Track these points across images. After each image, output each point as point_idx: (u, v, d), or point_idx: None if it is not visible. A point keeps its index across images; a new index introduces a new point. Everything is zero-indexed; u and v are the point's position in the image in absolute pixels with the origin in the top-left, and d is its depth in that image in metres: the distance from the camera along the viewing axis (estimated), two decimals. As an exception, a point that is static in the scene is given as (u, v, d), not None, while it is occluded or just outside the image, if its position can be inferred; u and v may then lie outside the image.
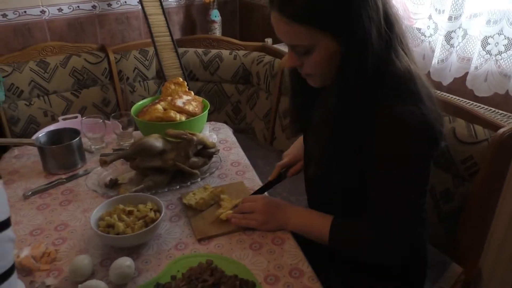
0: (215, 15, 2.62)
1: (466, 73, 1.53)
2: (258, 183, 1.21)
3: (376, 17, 0.77)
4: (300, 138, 1.23)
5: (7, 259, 0.53)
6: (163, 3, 2.26)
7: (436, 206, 1.22)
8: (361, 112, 0.83)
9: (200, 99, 1.47)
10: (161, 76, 2.29)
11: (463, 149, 1.13)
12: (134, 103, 1.46)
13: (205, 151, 1.22)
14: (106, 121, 1.45)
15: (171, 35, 2.24)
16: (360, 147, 0.85)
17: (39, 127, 2.14)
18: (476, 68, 1.48)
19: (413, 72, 0.83)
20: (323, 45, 0.80)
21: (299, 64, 0.87)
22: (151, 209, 0.99)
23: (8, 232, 0.53)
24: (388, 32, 0.80)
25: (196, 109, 1.39)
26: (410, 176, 0.83)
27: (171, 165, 1.15)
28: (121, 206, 0.99)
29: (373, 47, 0.78)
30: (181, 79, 1.51)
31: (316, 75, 0.88)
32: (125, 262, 0.85)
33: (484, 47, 1.47)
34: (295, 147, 1.23)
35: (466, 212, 1.16)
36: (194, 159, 1.19)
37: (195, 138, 1.17)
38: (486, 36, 1.46)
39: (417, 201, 0.85)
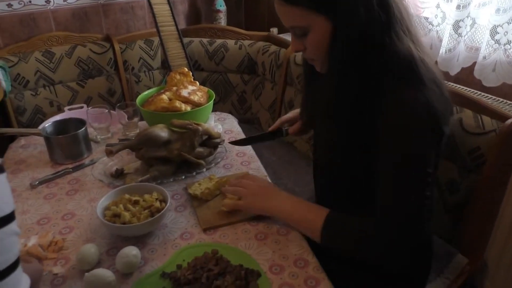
0: (220, 4, 2.60)
1: (474, 63, 1.51)
2: (263, 173, 1.21)
3: None
4: None
5: (11, 253, 0.53)
6: (168, -7, 2.25)
7: (442, 197, 1.21)
8: (363, 96, 0.83)
9: (205, 89, 1.47)
10: (166, 66, 2.29)
11: (470, 140, 1.12)
12: (140, 93, 1.46)
13: (210, 141, 1.22)
14: (111, 111, 1.45)
15: (176, 25, 2.23)
16: (366, 133, 0.85)
17: (45, 117, 2.16)
18: (484, 57, 1.46)
19: (414, 55, 0.83)
20: (317, 25, 0.83)
21: (302, 48, 0.89)
22: (156, 199, 0.99)
23: (12, 226, 0.53)
24: (381, 14, 0.80)
25: (201, 99, 1.39)
26: (415, 168, 0.82)
27: (176, 155, 1.15)
28: (127, 196, 1.00)
29: (360, 25, 0.79)
30: (186, 69, 1.51)
31: (318, 59, 0.90)
32: (131, 251, 0.86)
33: (493, 36, 1.45)
34: (296, 110, 1.23)
35: (472, 203, 1.16)
36: (199, 149, 1.19)
37: (200, 128, 1.17)
38: (495, 25, 1.44)
39: (422, 192, 0.83)
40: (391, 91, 0.81)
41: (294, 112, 1.20)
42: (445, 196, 1.21)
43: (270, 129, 1.18)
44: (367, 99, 0.83)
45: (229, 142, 1.27)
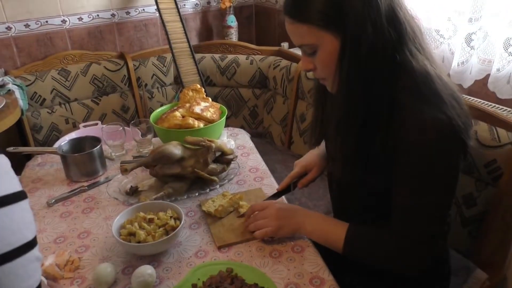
0: (232, 20, 2.63)
1: (488, 75, 1.50)
2: (276, 189, 1.21)
3: (374, 16, 0.78)
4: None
5: (33, 279, 0.53)
6: (180, 10, 2.29)
7: (459, 211, 1.20)
8: (376, 113, 0.83)
9: (218, 105, 1.48)
10: (178, 82, 2.31)
11: (486, 153, 1.11)
12: (153, 109, 1.48)
13: (224, 158, 1.23)
14: (125, 127, 1.47)
15: (188, 41, 2.26)
16: (384, 149, 0.84)
17: (61, 134, 2.19)
18: (498, 70, 1.45)
19: (430, 72, 0.83)
20: (326, 43, 0.83)
21: (312, 67, 0.89)
22: (171, 217, 1.00)
23: (35, 252, 0.53)
24: (391, 31, 0.80)
25: (214, 116, 1.40)
26: (435, 186, 0.82)
27: (190, 172, 1.16)
28: (141, 214, 1.00)
29: (369, 45, 0.79)
30: (198, 86, 1.52)
31: (328, 78, 0.89)
32: (146, 270, 0.86)
33: (506, 49, 1.43)
34: (308, 156, 1.22)
35: (490, 217, 1.14)
36: (212, 165, 1.20)
37: (213, 145, 1.17)
38: (508, 38, 1.42)
39: (441, 212, 0.84)
40: (408, 108, 0.81)
41: (300, 166, 1.19)
42: (462, 209, 1.19)
43: (279, 187, 1.17)
44: (382, 116, 0.83)
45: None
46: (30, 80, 2.10)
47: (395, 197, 0.86)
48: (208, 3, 2.69)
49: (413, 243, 0.84)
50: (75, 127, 2.22)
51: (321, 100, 1.03)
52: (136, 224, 0.97)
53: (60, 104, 2.22)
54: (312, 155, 1.20)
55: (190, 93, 1.51)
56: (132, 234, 0.95)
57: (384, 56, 0.81)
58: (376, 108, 0.83)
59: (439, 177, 0.82)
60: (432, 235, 0.85)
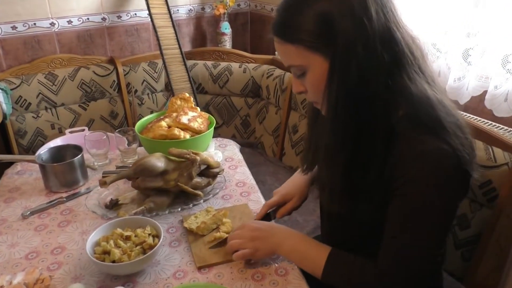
0: (226, 27, 2.60)
1: (485, 92, 1.46)
2: (262, 204, 1.15)
3: (366, 38, 0.72)
4: (295, 174, 1.17)
5: None
6: (173, 15, 2.25)
7: (452, 232, 1.16)
8: (367, 141, 0.77)
9: (206, 115, 1.43)
10: (169, 89, 2.27)
11: (481, 173, 1.07)
12: (142, 116, 1.43)
13: (209, 171, 1.18)
14: (111, 133, 1.41)
15: (180, 48, 2.22)
16: (379, 180, 0.78)
17: (46, 139, 2.13)
18: (495, 87, 1.41)
19: (431, 97, 0.76)
20: (315, 65, 0.78)
21: (302, 89, 0.84)
22: (149, 234, 0.94)
23: None
24: (384, 53, 0.74)
25: (202, 126, 1.35)
26: (429, 224, 0.76)
27: (173, 185, 1.11)
28: (118, 230, 0.95)
29: (359, 68, 0.73)
30: (187, 95, 1.48)
31: (320, 102, 0.83)
32: (119, 292, 0.81)
33: (504, 66, 1.40)
34: (288, 185, 1.15)
35: (484, 240, 1.10)
36: (197, 179, 1.14)
37: (198, 158, 1.12)
38: (506, 54, 1.39)
39: (432, 251, 0.78)
40: (407, 137, 0.75)
41: (279, 195, 1.12)
42: (456, 231, 1.16)
43: (257, 217, 1.09)
44: (377, 145, 0.77)
45: None
46: (15, 84, 2.04)
47: (387, 230, 0.80)
48: (202, 9, 2.65)
49: (398, 279, 0.79)
50: (61, 132, 2.16)
51: (312, 127, 0.97)
52: (111, 241, 0.91)
53: (46, 108, 2.16)
54: (292, 183, 1.14)
55: (178, 102, 1.47)
56: (107, 252, 0.90)
57: (376, 81, 0.75)
58: (369, 136, 0.77)
59: (435, 215, 0.75)
60: (419, 273, 0.79)
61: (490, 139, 1.10)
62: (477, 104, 1.53)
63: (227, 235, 0.99)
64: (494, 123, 1.34)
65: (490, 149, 1.08)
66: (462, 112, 1.38)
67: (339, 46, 0.73)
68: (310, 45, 0.76)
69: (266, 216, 1.09)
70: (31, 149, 2.11)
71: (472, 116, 1.41)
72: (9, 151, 2.10)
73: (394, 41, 0.75)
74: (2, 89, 1.91)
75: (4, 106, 1.85)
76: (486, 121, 1.36)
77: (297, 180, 1.14)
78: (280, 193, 1.12)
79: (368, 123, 0.76)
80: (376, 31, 0.73)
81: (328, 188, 0.86)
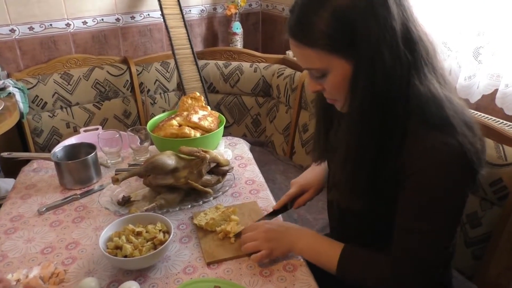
0: (237, 27, 2.61)
1: (496, 90, 1.45)
2: (272, 203, 1.17)
3: (390, 38, 0.72)
4: (313, 165, 1.18)
5: None
6: (185, 15, 2.27)
7: (463, 230, 1.15)
8: (385, 139, 0.77)
9: (217, 114, 1.45)
10: (181, 88, 2.30)
11: (492, 171, 1.07)
12: (155, 115, 1.45)
13: (219, 169, 1.19)
14: (123, 132, 1.44)
15: (191, 48, 2.25)
16: (392, 176, 0.79)
17: (61, 138, 2.18)
18: (506, 85, 1.40)
19: (441, 96, 0.76)
20: (337, 68, 0.76)
21: (320, 88, 0.83)
22: (160, 230, 0.96)
23: None
24: (407, 54, 0.74)
25: (212, 125, 1.37)
26: (440, 213, 0.77)
27: (183, 183, 1.13)
28: (130, 226, 0.97)
29: (385, 69, 0.73)
30: (198, 94, 1.50)
31: (340, 100, 0.83)
32: (131, 287, 0.83)
33: (515, 64, 1.38)
34: (306, 176, 1.17)
35: (495, 237, 1.10)
36: (207, 177, 1.16)
37: (208, 156, 1.14)
38: (517, 52, 1.38)
39: (443, 241, 0.79)
40: (417, 134, 0.76)
41: (298, 186, 1.14)
42: (466, 230, 1.15)
43: (276, 206, 1.11)
44: (394, 143, 0.77)
45: None
46: (32, 83, 2.09)
47: (398, 222, 0.81)
48: (214, 9, 2.67)
49: (411, 270, 0.80)
50: (75, 131, 2.21)
51: (324, 114, 0.97)
52: (123, 237, 0.94)
53: (61, 108, 2.21)
54: (310, 175, 1.15)
55: (189, 101, 1.49)
56: (119, 247, 0.92)
57: (400, 81, 0.74)
58: (390, 135, 0.77)
59: (445, 204, 0.76)
60: (432, 264, 0.80)
61: (501, 138, 1.09)
62: (488, 103, 1.52)
63: (235, 231, 1.01)
64: (505, 122, 1.33)
65: (501, 148, 1.08)
66: (472, 111, 1.38)
67: (362, 47, 0.72)
68: (331, 48, 0.74)
69: (283, 207, 1.11)
70: (47, 147, 2.16)
71: (483, 114, 1.41)
72: (26, 149, 2.15)
73: (413, 41, 0.75)
74: (19, 89, 1.96)
75: (21, 105, 1.90)
76: (497, 119, 1.35)
77: (313, 171, 1.15)
78: (298, 183, 1.15)
79: (389, 122, 0.76)
80: (398, 32, 0.73)
81: (347, 187, 0.85)
